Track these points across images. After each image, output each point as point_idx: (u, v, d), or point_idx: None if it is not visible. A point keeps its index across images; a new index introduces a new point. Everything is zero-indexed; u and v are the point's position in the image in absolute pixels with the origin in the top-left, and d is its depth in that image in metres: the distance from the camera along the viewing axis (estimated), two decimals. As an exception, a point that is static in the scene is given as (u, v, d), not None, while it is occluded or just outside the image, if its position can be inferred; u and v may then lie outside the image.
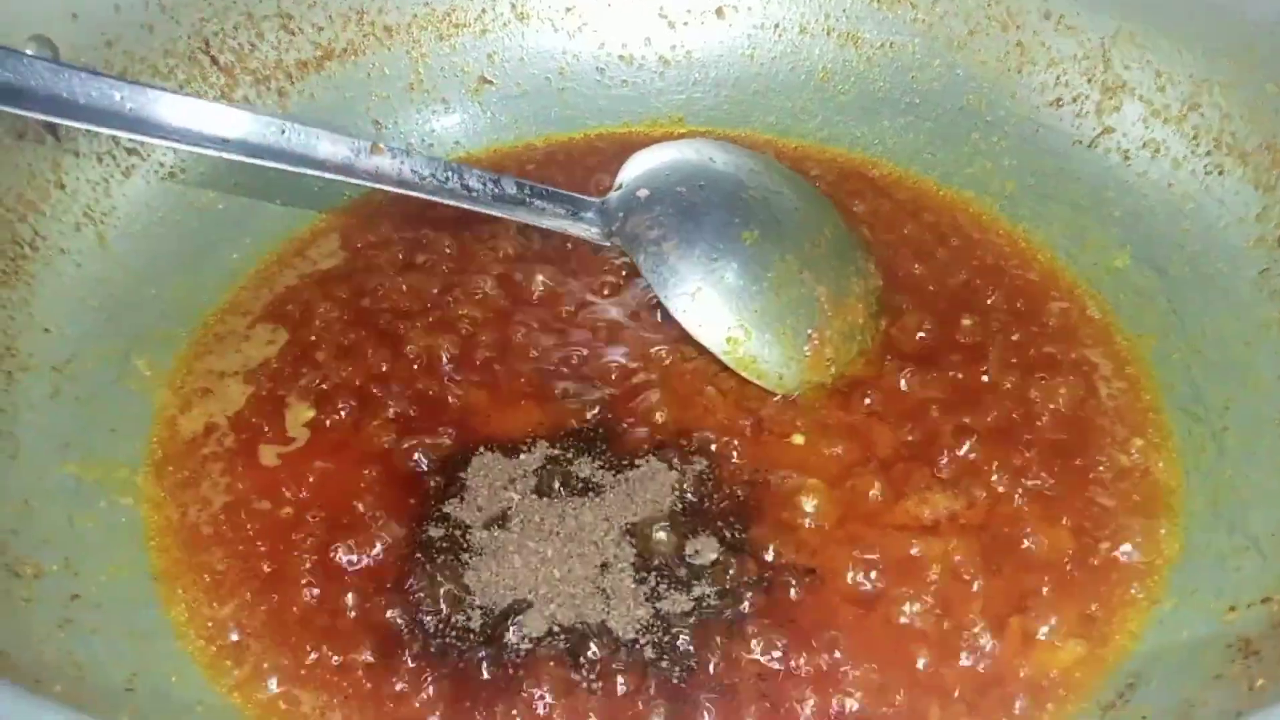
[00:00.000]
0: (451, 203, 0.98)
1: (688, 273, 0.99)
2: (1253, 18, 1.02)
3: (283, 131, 0.91)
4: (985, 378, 1.01)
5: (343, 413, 0.98)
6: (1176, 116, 1.09)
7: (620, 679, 0.81)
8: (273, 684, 0.81)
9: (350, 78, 1.26)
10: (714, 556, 0.88)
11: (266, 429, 0.98)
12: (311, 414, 0.99)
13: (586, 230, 1.03)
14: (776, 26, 1.32)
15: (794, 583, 0.87)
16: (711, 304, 0.98)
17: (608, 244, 1.04)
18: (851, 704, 0.79)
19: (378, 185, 0.95)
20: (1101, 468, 0.94)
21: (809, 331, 0.99)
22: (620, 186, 1.06)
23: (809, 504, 0.91)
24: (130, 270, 1.07)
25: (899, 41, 1.27)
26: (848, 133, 1.29)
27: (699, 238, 1.00)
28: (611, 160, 1.24)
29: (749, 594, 0.86)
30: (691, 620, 0.84)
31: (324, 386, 1.01)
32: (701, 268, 0.99)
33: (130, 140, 1.10)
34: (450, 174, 0.98)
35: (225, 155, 0.89)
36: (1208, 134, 1.07)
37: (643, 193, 1.03)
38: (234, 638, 0.84)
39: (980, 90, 1.23)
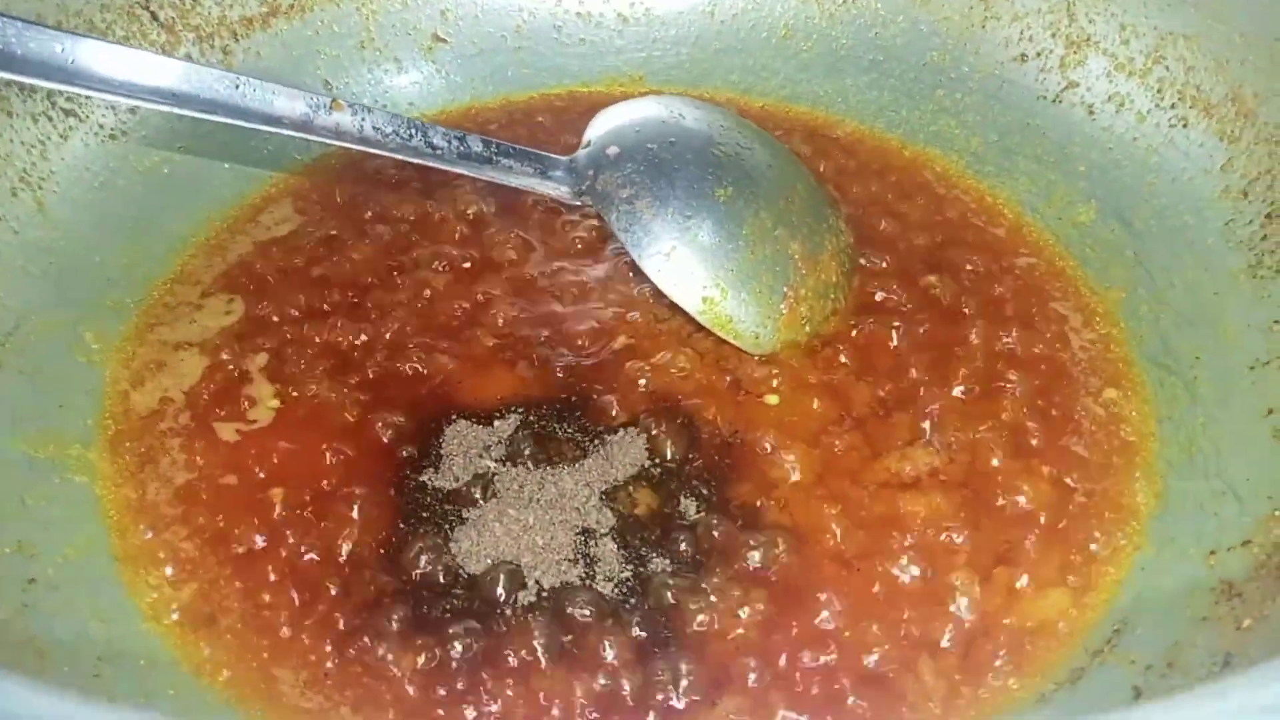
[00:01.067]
0: (416, 160, 0.94)
1: (662, 231, 0.97)
2: (1219, -32, 1.02)
3: (236, 86, 0.86)
4: (956, 333, 1.00)
5: (306, 385, 0.95)
6: (1141, 70, 1.10)
7: (607, 641, 0.79)
8: (250, 664, 0.78)
9: (298, 35, 1.21)
10: (695, 518, 0.87)
11: (226, 403, 0.94)
12: (273, 387, 0.95)
13: (556, 189, 1.00)
14: (737, -18, 1.29)
15: (777, 541, 0.85)
16: (687, 263, 0.96)
17: (578, 203, 1.01)
18: (839, 659, 0.79)
19: (338, 143, 0.91)
20: (1076, 419, 0.94)
21: (784, 289, 0.98)
22: (589, 144, 1.03)
23: (788, 463, 0.91)
24: (73, 238, 1.02)
25: (862, -3, 1.26)
26: (810, 91, 1.27)
27: (672, 195, 0.98)
28: (572, 120, 1.22)
29: (732, 554, 0.84)
30: (675, 582, 0.83)
31: (285, 358, 0.97)
32: (676, 226, 0.97)
33: (68, 100, 1.04)
34: (414, 131, 0.94)
35: (175, 110, 0.84)
36: (1172, 87, 1.07)
37: (612, 150, 1.00)
38: (205, 618, 0.80)
39: (944, 46, 1.22)
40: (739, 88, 1.29)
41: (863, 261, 1.06)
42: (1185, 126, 1.06)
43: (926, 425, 0.93)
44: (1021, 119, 1.17)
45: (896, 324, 1.00)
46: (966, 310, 1.03)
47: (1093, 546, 0.85)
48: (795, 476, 0.90)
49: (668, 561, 0.84)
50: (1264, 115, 0.99)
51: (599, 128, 1.04)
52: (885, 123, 1.23)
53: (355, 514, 0.86)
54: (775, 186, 1.02)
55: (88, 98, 1.05)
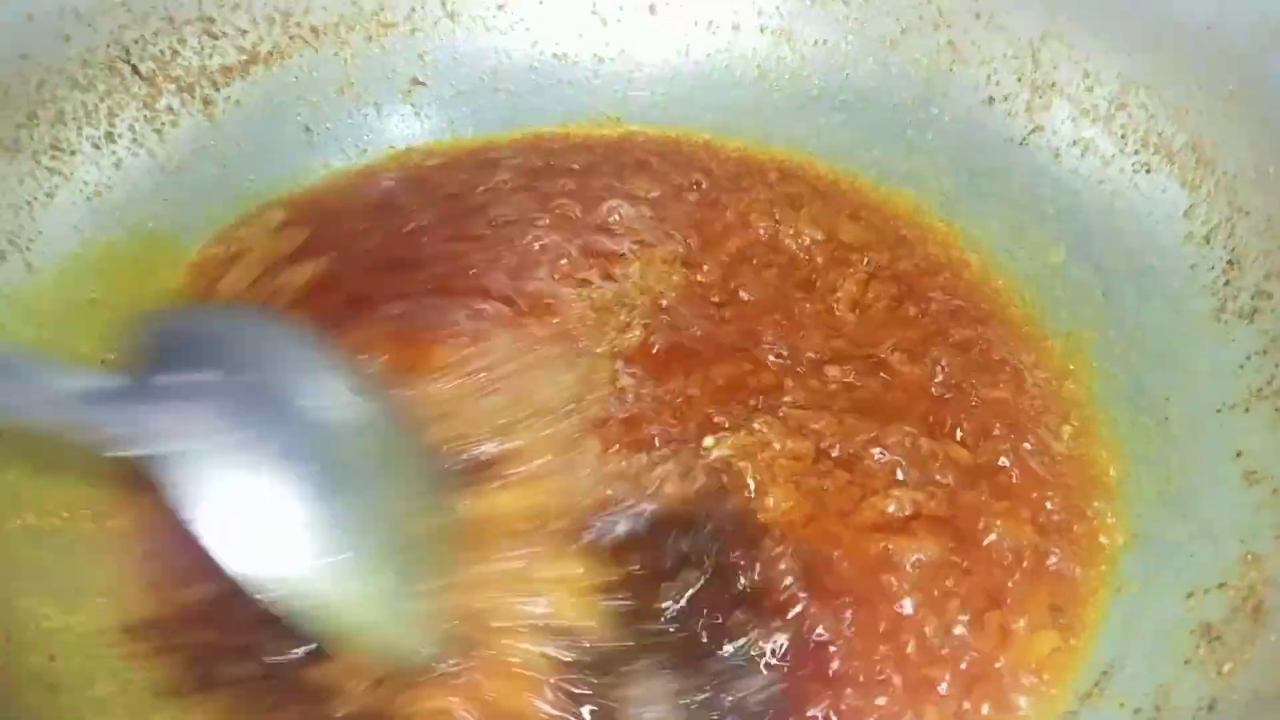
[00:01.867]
0: None
1: None
2: (1179, 20, 1.06)
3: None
4: (931, 375, 1.04)
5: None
6: (1104, 116, 1.14)
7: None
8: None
9: (278, 82, 1.21)
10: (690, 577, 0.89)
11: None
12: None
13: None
14: (710, 23, 1.32)
15: (781, 588, 0.88)
16: None
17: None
18: (846, 708, 0.82)
19: None
20: (1052, 458, 0.98)
21: None
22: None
23: (774, 506, 0.92)
24: (63, 299, 1.01)
25: (832, 39, 1.29)
26: (784, 131, 1.29)
27: None
28: (554, 161, 1.24)
29: (729, 605, 0.87)
30: (675, 636, 0.85)
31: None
32: None
33: (51, 158, 1.03)
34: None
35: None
36: (1135, 133, 1.12)
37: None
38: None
39: (913, 88, 1.26)
40: (713, 128, 1.31)
41: (834, 305, 1.09)
42: (1149, 172, 1.10)
43: (905, 469, 0.95)
44: (990, 161, 1.21)
45: (865, 366, 1.03)
46: (938, 351, 1.06)
47: (1074, 588, 0.89)
48: (782, 520, 0.92)
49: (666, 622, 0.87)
50: (1222, 165, 1.04)
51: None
52: (858, 163, 1.26)
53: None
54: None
55: (71, 154, 1.05)
